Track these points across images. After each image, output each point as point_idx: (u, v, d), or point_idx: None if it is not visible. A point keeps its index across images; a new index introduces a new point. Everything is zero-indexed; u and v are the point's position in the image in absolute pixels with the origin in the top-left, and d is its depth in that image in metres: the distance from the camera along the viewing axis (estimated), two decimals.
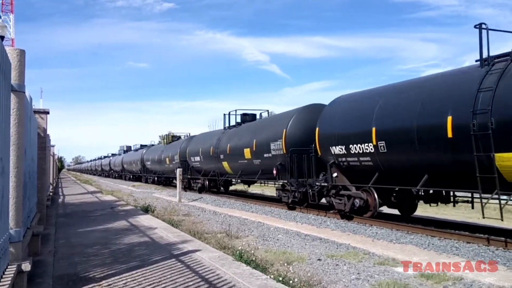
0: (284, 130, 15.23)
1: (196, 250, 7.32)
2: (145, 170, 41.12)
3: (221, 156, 20.92)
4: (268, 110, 21.57)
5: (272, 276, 5.64)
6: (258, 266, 6.39)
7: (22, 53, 4.83)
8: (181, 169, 22.47)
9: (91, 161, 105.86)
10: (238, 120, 21.91)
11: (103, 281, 5.44)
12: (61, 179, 59.01)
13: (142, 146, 49.25)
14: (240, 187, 27.33)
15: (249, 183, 22.56)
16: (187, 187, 27.00)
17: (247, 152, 18.11)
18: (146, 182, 40.59)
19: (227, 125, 22.62)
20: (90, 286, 5.26)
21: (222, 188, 24.64)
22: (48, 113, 11.65)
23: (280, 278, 5.49)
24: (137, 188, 32.68)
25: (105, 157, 79.72)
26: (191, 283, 5.27)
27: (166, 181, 36.12)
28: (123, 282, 5.38)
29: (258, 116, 21.33)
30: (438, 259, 7.06)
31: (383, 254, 7.52)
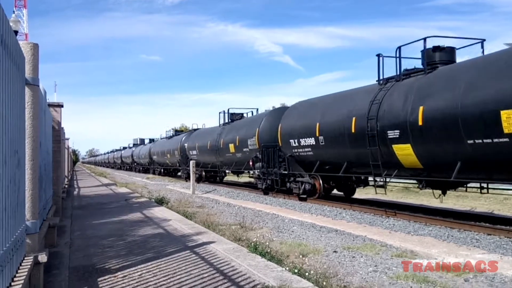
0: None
1: (211, 242, 7.29)
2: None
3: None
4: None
5: (287, 268, 5.58)
6: (273, 258, 6.33)
7: (35, 47, 4.81)
8: (194, 161, 22.49)
9: (105, 154, 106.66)
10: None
11: (119, 273, 5.44)
12: (76, 171, 59.68)
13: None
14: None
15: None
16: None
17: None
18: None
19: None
20: (106, 277, 5.26)
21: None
22: (62, 106, 11.71)
23: (296, 270, 5.43)
24: (151, 180, 32.89)
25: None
26: (205, 274, 5.24)
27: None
28: (138, 273, 5.37)
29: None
30: (458, 251, 6.94)
31: (400, 246, 7.41)
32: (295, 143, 15.15)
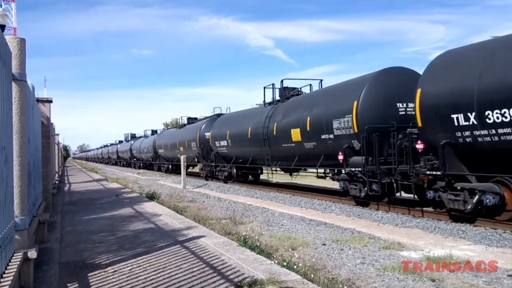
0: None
1: (201, 236, 7.34)
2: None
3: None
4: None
5: (276, 262, 5.65)
6: (263, 251, 6.40)
7: (22, 42, 4.80)
8: (185, 156, 22.44)
9: (98, 148, 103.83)
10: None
11: (109, 268, 5.47)
12: (67, 167, 59.33)
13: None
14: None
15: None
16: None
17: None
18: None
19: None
20: (96, 272, 5.29)
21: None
22: (51, 101, 11.66)
23: (285, 264, 5.50)
24: (142, 175, 32.81)
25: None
26: (195, 268, 5.29)
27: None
28: (129, 268, 5.41)
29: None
30: (444, 242, 7.05)
31: (388, 238, 7.52)
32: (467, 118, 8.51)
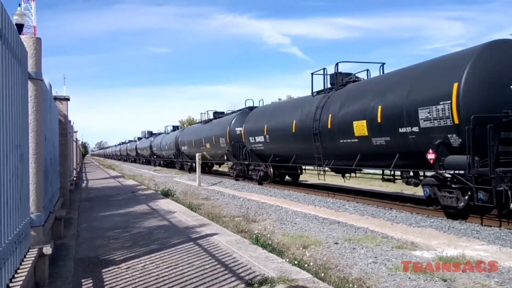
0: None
1: (214, 234, 7.40)
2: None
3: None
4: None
5: (287, 260, 5.67)
6: (274, 249, 6.43)
7: (38, 41, 4.89)
8: (200, 154, 22.56)
9: (116, 145, 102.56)
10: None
11: (123, 264, 5.56)
12: (85, 164, 60.14)
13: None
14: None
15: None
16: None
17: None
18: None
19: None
20: (110, 268, 5.38)
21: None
22: (68, 99, 11.85)
23: (296, 262, 5.52)
24: (158, 172, 33.10)
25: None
26: (207, 266, 5.34)
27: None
28: (142, 264, 5.49)
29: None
30: (458, 242, 6.98)
31: (401, 238, 7.48)
32: None
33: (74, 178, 20.59)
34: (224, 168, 30.77)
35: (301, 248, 6.59)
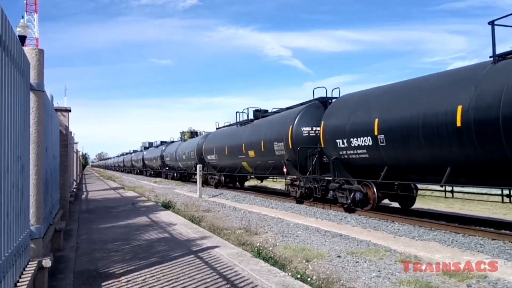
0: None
1: (215, 247, 7.33)
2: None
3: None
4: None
5: (290, 274, 5.59)
6: (277, 263, 6.35)
7: (40, 53, 4.89)
8: (200, 165, 22.52)
9: (118, 156, 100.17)
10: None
11: (123, 277, 5.48)
12: (85, 175, 60.03)
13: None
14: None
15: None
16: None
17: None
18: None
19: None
20: (110, 282, 5.30)
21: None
22: (69, 111, 11.83)
23: (299, 276, 5.44)
24: (158, 184, 33.01)
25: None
26: (208, 279, 5.27)
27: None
28: (142, 278, 5.42)
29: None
30: (461, 256, 6.90)
31: (404, 251, 7.40)
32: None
33: (74, 189, 20.51)
34: (277, 184, 27.71)
35: (303, 262, 6.51)
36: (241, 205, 15.77)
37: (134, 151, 68.40)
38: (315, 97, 16.86)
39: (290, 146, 16.33)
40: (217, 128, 28.88)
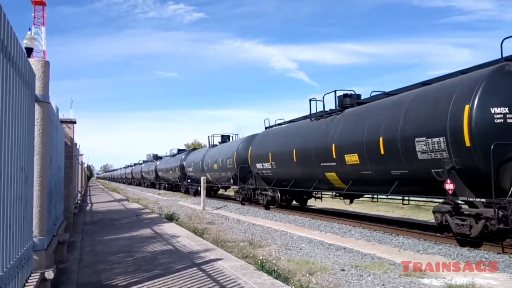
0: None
1: (218, 259, 7.29)
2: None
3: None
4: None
5: (293, 287, 5.55)
6: (280, 276, 6.31)
7: (46, 64, 4.93)
8: (205, 177, 22.48)
9: (124, 168, 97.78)
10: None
11: None
12: (90, 187, 60.12)
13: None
14: None
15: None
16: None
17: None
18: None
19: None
20: None
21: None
22: (75, 122, 11.90)
23: None
24: (162, 196, 32.99)
25: (145, 161, 64.56)
26: None
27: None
28: None
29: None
30: (467, 270, 6.82)
31: (409, 265, 7.32)
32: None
33: (79, 201, 20.54)
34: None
35: (307, 275, 6.46)
36: (245, 218, 15.71)
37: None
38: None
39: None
40: (266, 127, 21.48)
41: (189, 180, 33.29)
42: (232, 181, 23.73)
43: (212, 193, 30.78)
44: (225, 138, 28.87)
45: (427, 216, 16.11)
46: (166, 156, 49.08)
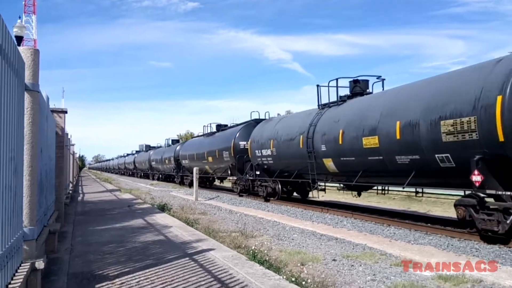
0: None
1: (210, 249, 7.30)
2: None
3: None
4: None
5: (285, 277, 5.57)
6: (272, 266, 6.33)
7: (35, 53, 4.86)
8: (197, 168, 22.43)
9: (116, 158, 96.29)
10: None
11: (117, 279, 5.45)
12: (82, 177, 59.87)
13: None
14: None
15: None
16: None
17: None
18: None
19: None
20: (104, 284, 5.27)
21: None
22: (66, 112, 11.79)
23: (293, 279, 5.42)
24: (155, 186, 32.93)
25: (137, 151, 63.04)
26: (203, 282, 5.25)
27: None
28: (136, 280, 5.38)
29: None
30: (457, 260, 6.89)
31: (400, 255, 7.38)
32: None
33: (70, 191, 20.43)
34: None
35: (298, 265, 6.49)
36: (237, 208, 15.73)
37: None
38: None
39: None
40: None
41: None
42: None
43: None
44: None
45: (419, 207, 16.25)
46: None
